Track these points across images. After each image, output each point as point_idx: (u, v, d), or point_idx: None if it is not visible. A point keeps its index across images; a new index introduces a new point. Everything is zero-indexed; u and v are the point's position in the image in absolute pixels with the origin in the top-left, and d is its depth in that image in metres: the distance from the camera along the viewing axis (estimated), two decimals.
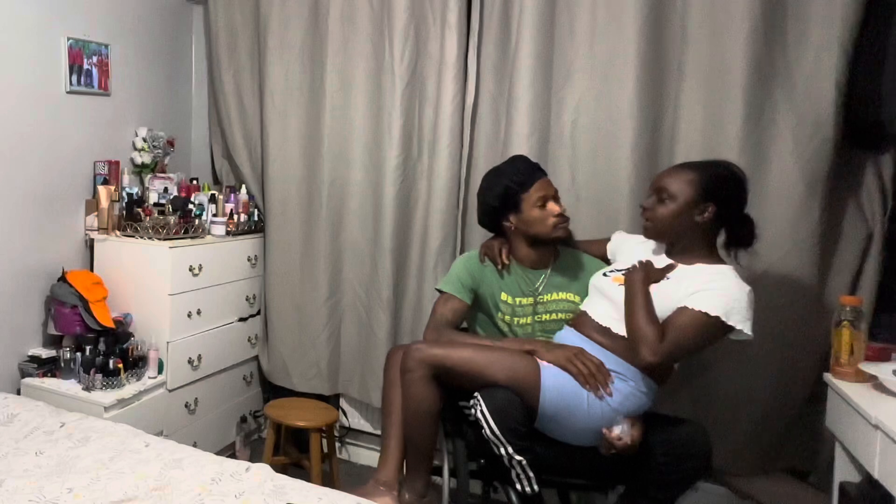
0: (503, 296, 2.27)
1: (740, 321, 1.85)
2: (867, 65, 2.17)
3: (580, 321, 2.12)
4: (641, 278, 1.97)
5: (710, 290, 1.86)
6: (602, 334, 2.03)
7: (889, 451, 1.67)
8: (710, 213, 1.92)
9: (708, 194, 1.92)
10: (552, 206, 2.18)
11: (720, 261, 1.98)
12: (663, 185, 1.96)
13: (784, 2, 2.27)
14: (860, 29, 2.17)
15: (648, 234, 2.03)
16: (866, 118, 2.18)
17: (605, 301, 2.06)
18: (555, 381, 1.96)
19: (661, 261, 2.03)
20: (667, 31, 2.43)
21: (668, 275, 1.98)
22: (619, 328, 2.00)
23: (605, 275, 2.12)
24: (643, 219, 2.03)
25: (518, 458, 1.91)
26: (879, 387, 1.91)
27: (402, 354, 2.16)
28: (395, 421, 2.21)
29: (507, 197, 2.22)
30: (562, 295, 2.24)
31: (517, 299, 2.25)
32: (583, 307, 2.16)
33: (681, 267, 1.98)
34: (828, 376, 2.08)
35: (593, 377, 1.94)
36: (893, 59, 2.09)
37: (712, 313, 1.84)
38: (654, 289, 1.96)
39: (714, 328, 1.85)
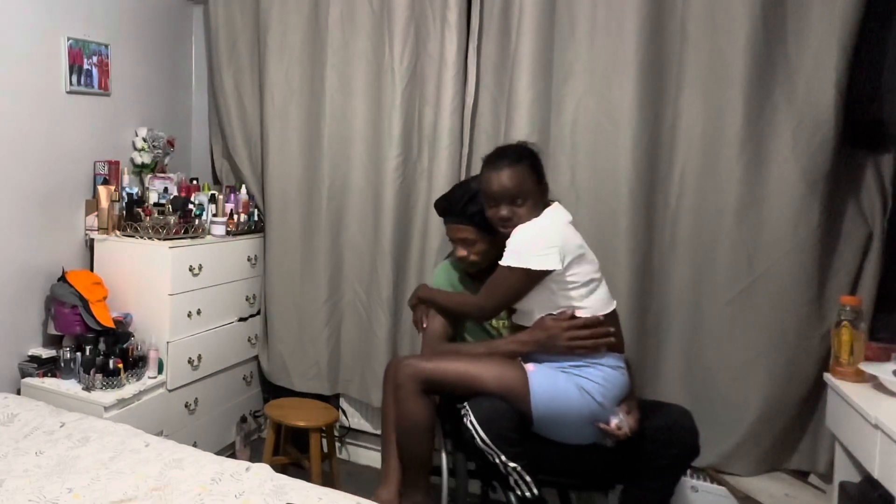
0: None
1: (534, 261, 1.95)
2: (867, 65, 2.17)
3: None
4: (423, 294, 2.27)
5: (508, 246, 2.01)
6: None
7: (889, 451, 1.67)
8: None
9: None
10: (457, 249, 2.21)
11: (540, 212, 2.04)
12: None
13: (784, 2, 2.27)
14: (860, 29, 2.17)
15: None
16: (866, 118, 2.18)
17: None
18: (541, 384, 1.96)
19: None
20: (667, 30, 2.43)
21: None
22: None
23: None
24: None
25: (512, 465, 1.90)
26: (879, 387, 1.92)
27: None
28: (393, 438, 2.20)
29: None
30: None
31: None
32: None
33: None
34: (828, 376, 2.08)
35: (584, 347, 1.96)
36: (893, 59, 2.09)
37: (511, 265, 1.98)
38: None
39: (514, 275, 1.99)
